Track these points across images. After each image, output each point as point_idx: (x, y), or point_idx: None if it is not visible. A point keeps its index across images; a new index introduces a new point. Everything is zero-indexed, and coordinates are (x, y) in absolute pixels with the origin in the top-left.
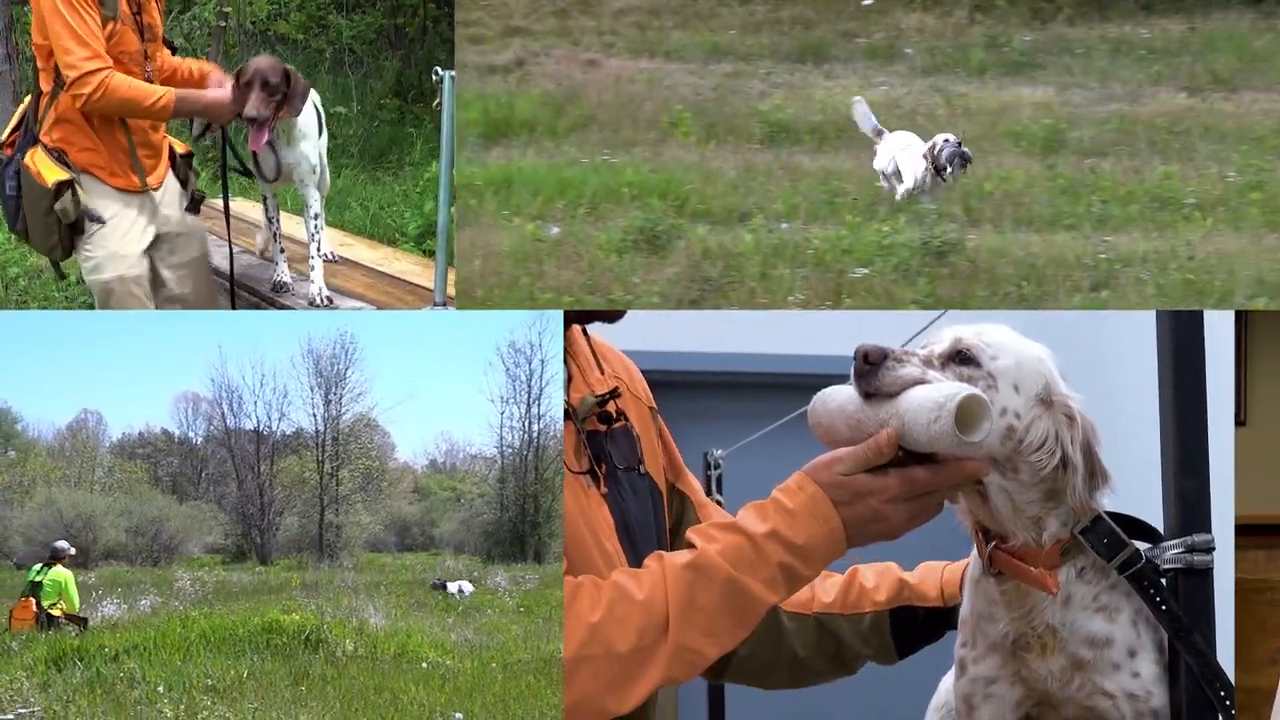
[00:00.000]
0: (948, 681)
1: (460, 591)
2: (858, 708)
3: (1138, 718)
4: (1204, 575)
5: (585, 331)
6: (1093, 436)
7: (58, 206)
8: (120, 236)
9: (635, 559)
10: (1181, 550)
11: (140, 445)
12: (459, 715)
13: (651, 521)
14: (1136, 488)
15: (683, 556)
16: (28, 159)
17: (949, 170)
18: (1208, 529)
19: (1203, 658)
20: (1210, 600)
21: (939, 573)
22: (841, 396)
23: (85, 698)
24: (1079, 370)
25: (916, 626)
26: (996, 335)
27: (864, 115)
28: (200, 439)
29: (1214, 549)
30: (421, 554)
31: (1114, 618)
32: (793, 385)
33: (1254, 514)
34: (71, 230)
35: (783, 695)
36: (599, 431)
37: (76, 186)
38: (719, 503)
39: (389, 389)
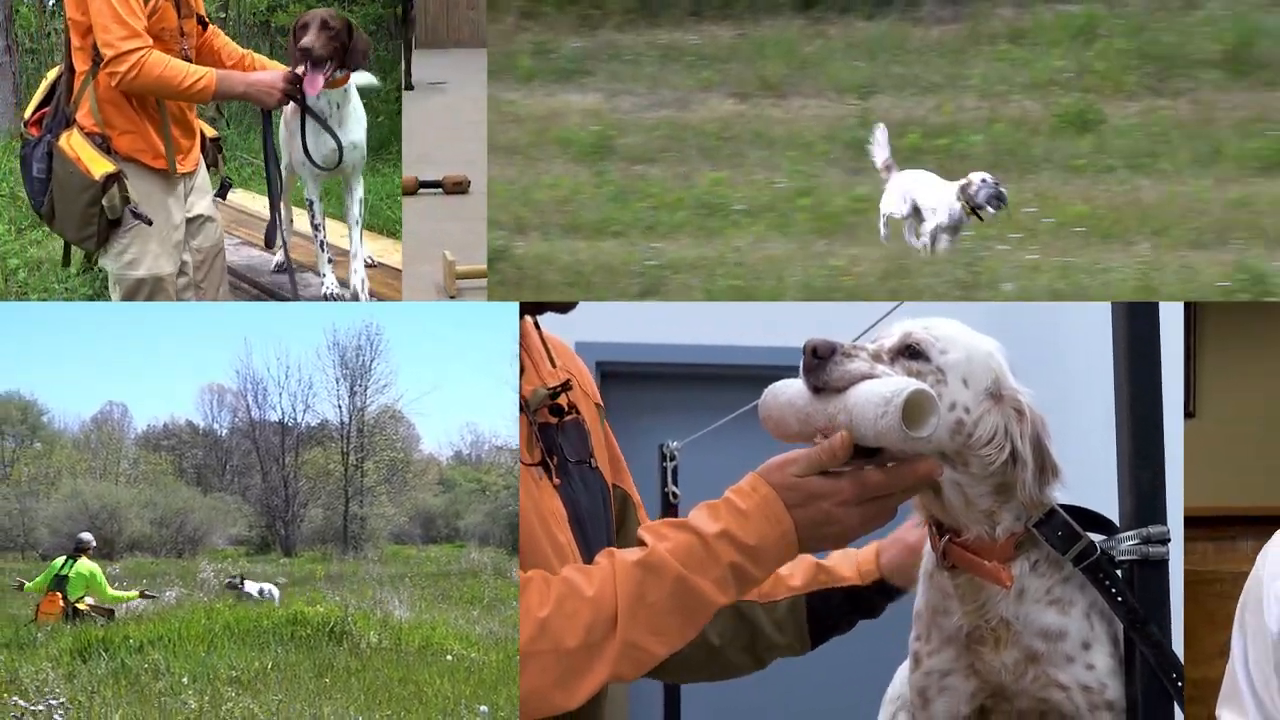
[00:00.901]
0: (902, 673)
1: (262, 593)
2: (813, 700)
3: (1092, 710)
4: (1160, 567)
5: (537, 325)
6: (1043, 431)
7: (105, 202)
8: (160, 233)
9: (587, 550)
10: (1137, 542)
11: (165, 437)
12: (484, 708)
13: (602, 515)
14: (1091, 480)
15: (634, 554)
16: (63, 142)
17: (988, 210)
18: (1163, 520)
19: (1159, 649)
20: (1166, 592)
21: (854, 555)
22: (791, 390)
23: (110, 689)
24: (1035, 362)
25: (832, 610)
26: (946, 329)
27: (881, 144)
28: (225, 431)
29: (1169, 540)
30: (446, 546)
31: (1067, 610)
32: (749, 376)
33: (1202, 506)
34: (110, 224)
35: (738, 689)
36: (551, 424)
37: (124, 179)
38: (674, 494)
39: (414, 380)
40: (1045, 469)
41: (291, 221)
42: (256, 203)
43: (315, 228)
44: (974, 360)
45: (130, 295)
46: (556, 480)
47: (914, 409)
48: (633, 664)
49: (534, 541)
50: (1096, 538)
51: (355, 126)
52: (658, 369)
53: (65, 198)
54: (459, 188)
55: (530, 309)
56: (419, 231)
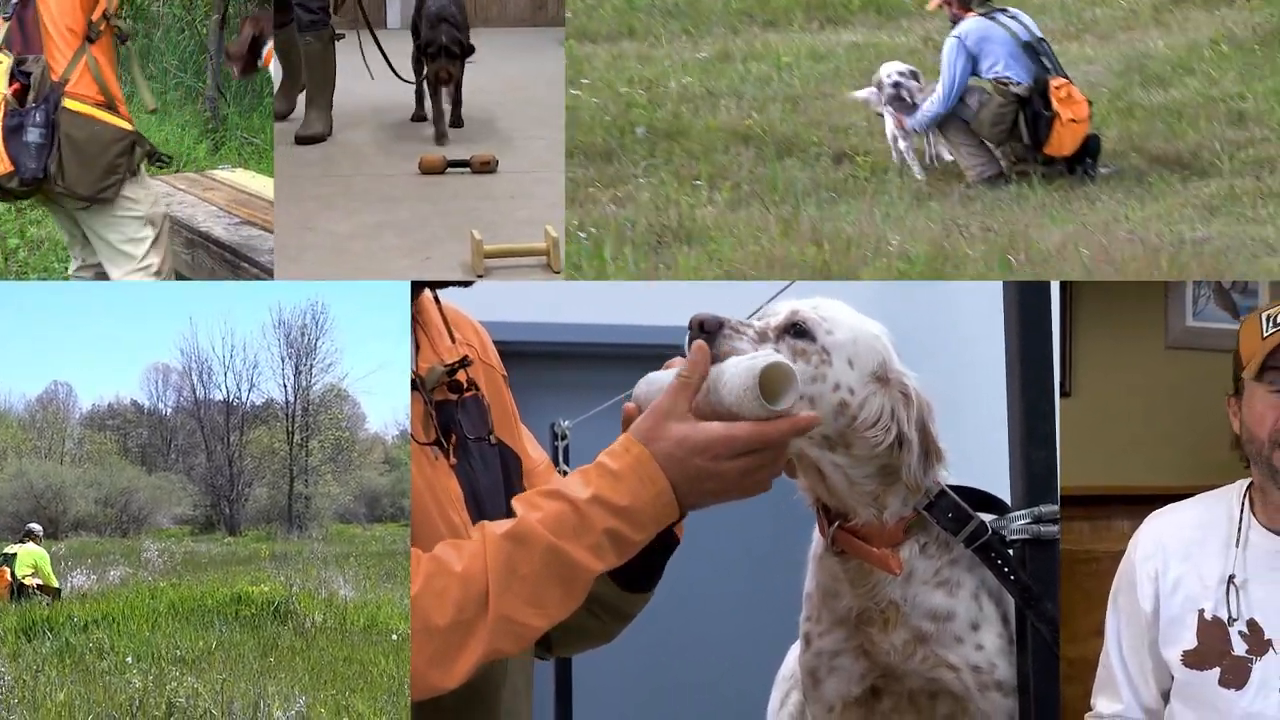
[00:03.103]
0: (794, 652)
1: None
2: (706, 679)
3: (982, 690)
4: (1050, 546)
5: (437, 299)
6: (928, 414)
7: (137, 155)
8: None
9: None
10: (1029, 521)
11: (110, 416)
12: None
13: (502, 491)
14: (979, 458)
15: (502, 526)
16: (73, 107)
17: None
18: (1054, 499)
19: (1054, 625)
20: (1056, 570)
21: None
22: (665, 377)
23: (54, 667)
24: (926, 340)
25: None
26: (833, 310)
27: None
28: (170, 410)
29: (1060, 519)
30: (391, 525)
31: (955, 592)
32: (641, 356)
33: (1079, 485)
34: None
35: (630, 670)
36: (449, 401)
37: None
38: (566, 473)
39: (360, 359)
40: (930, 453)
41: None
42: (257, 182)
43: None
44: (860, 342)
45: (157, 234)
46: (453, 460)
47: (772, 381)
48: (511, 638)
49: (428, 522)
50: (987, 517)
51: None
52: (550, 348)
53: (85, 155)
54: (486, 167)
55: (431, 285)
56: (447, 210)
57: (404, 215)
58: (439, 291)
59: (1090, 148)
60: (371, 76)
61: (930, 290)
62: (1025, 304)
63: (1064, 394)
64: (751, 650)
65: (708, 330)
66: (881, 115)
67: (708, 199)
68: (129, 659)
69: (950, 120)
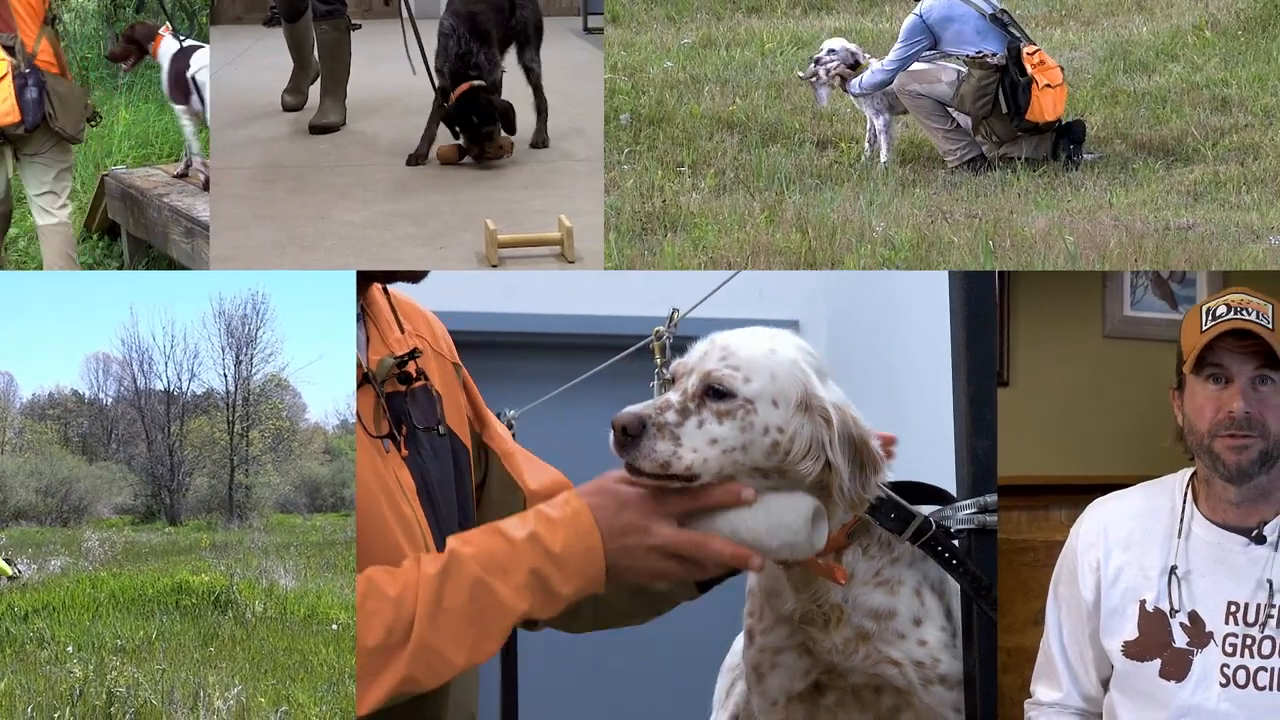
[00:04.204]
0: (740, 643)
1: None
2: (651, 668)
3: (925, 684)
4: (992, 535)
5: (386, 290)
6: (855, 430)
7: (93, 105)
8: None
9: (436, 521)
10: (975, 511)
11: (51, 406)
12: None
13: (453, 482)
14: (919, 448)
15: (439, 558)
16: (47, 75)
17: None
18: (995, 489)
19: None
20: (995, 559)
21: None
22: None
23: None
24: (870, 329)
25: None
26: (745, 352)
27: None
28: (110, 399)
29: (997, 508)
30: (332, 515)
31: (896, 590)
32: (587, 346)
33: (1016, 475)
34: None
35: (573, 656)
36: (399, 392)
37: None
38: None
39: (300, 349)
40: (865, 465)
41: None
42: None
43: None
44: (779, 378)
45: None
46: (405, 451)
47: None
48: (428, 670)
49: (376, 515)
50: (930, 509)
51: None
52: (496, 338)
53: (69, 106)
54: (501, 152)
55: (380, 274)
56: (461, 199)
57: (418, 205)
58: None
59: (1075, 134)
60: (414, 71)
61: (874, 279)
62: (970, 294)
63: (1001, 384)
64: (698, 640)
65: (631, 434)
66: (815, 88)
67: (692, 185)
68: (69, 648)
69: (927, 104)
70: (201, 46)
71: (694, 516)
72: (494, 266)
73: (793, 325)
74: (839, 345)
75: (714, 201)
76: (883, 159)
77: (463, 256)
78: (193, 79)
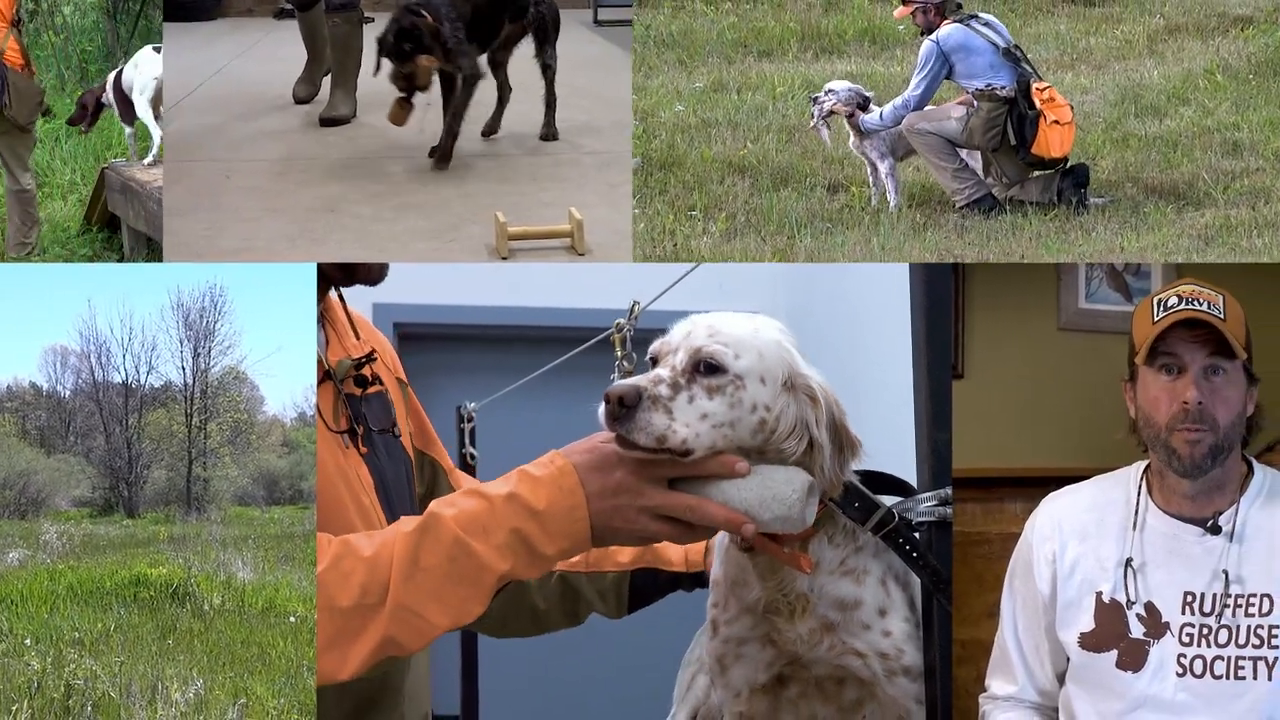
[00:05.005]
0: (701, 636)
1: None
2: (612, 660)
3: (889, 675)
4: (948, 527)
5: (342, 299)
6: (837, 411)
7: (46, 100)
8: None
9: (393, 519)
10: (935, 503)
11: (8, 399)
12: None
13: (406, 485)
14: (881, 440)
15: (417, 518)
16: (10, 70)
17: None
18: (950, 481)
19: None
20: (950, 551)
21: None
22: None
23: None
24: (829, 321)
25: (655, 588)
26: (732, 330)
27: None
28: (68, 392)
29: (952, 501)
30: (290, 508)
31: (862, 580)
32: (547, 338)
33: (969, 467)
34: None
35: (535, 647)
36: (355, 395)
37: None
38: (472, 456)
39: (258, 342)
40: (844, 448)
41: None
42: None
43: None
44: (767, 357)
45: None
46: (363, 449)
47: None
48: (409, 630)
49: (338, 504)
50: (892, 500)
51: None
52: (455, 330)
53: (24, 99)
54: (426, 76)
55: (340, 278)
56: (471, 192)
57: (428, 198)
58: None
59: (1078, 177)
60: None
61: (830, 272)
62: (931, 286)
63: (956, 376)
64: (658, 634)
65: (627, 405)
66: (820, 131)
67: (703, 229)
68: (27, 641)
69: (935, 142)
70: (126, 62)
71: (685, 483)
72: (504, 259)
73: (745, 315)
74: (798, 336)
75: (725, 245)
76: (891, 204)
77: (472, 249)
78: (129, 90)
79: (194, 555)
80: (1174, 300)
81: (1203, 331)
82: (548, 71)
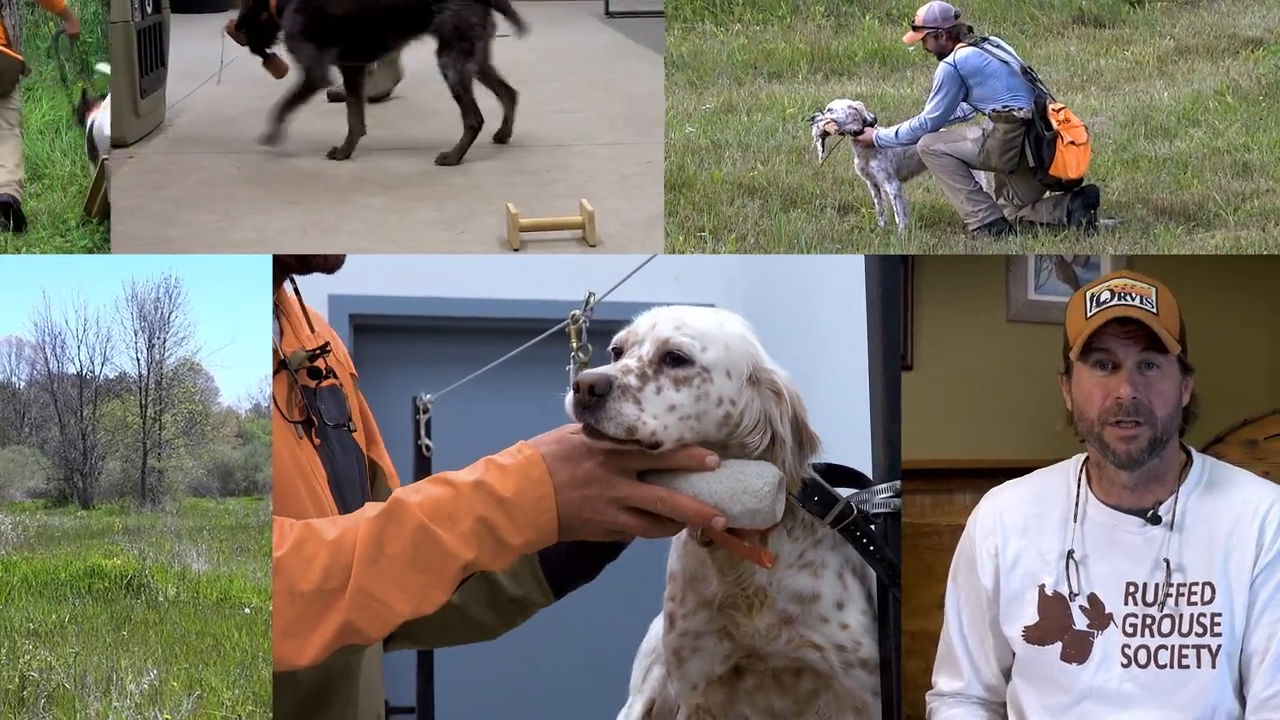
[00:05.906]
0: (657, 626)
1: None
2: (568, 652)
3: (846, 668)
4: (898, 518)
5: (297, 291)
6: (799, 407)
7: (21, 79)
8: None
9: (345, 512)
10: (890, 495)
11: None
12: None
13: (358, 480)
14: (835, 432)
15: (381, 505)
16: None
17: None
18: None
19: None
20: (900, 542)
21: None
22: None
23: None
24: (785, 312)
25: (565, 559)
26: (699, 324)
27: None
28: (23, 383)
29: (902, 493)
30: (245, 499)
31: (820, 573)
32: (501, 330)
33: (919, 458)
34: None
35: (492, 648)
36: (309, 387)
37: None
38: (427, 447)
39: (213, 333)
40: (804, 444)
41: None
42: None
43: None
44: (733, 350)
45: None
46: (316, 441)
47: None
48: (370, 617)
49: (293, 493)
50: (846, 492)
51: None
52: (410, 322)
53: (3, 75)
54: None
55: (298, 266)
56: (482, 184)
57: (439, 189)
58: (304, 280)
59: (1088, 198)
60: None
61: (790, 263)
62: (886, 279)
63: (905, 367)
64: (614, 625)
65: (598, 393)
66: (819, 153)
67: (713, 250)
68: None
69: (951, 164)
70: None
71: (654, 476)
72: (515, 250)
73: (708, 309)
74: (755, 328)
75: None
76: (900, 225)
77: (484, 240)
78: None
79: (149, 546)
80: (1106, 295)
81: (1136, 327)
82: (446, 78)
